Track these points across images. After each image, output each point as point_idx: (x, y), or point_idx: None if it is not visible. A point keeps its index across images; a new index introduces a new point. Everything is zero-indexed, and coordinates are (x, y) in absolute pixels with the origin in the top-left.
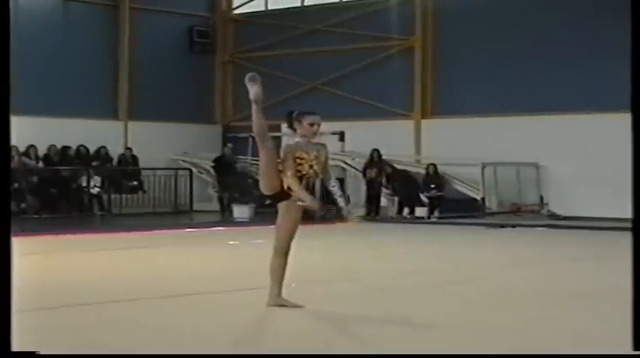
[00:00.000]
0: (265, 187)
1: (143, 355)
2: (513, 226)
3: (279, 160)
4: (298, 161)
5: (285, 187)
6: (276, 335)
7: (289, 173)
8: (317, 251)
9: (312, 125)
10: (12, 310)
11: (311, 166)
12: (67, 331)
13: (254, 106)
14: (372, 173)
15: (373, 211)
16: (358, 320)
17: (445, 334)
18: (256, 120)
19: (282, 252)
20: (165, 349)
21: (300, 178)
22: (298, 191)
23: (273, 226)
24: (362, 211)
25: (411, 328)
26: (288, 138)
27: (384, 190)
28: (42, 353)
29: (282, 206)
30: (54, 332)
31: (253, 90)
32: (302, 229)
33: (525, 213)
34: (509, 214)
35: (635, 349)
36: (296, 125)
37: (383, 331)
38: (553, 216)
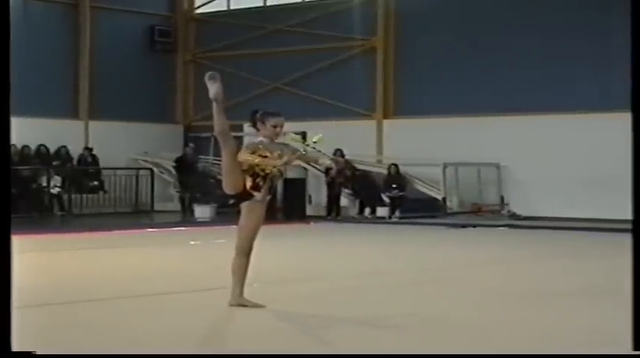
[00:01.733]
0: (228, 187)
1: (103, 355)
2: (474, 226)
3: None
4: (261, 159)
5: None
6: (238, 336)
7: (246, 152)
8: (279, 251)
9: (275, 127)
10: (12, 311)
11: (274, 165)
12: (24, 331)
13: (215, 105)
14: (332, 173)
15: (334, 211)
16: (320, 321)
17: (409, 334)
18: (217, 119)
19: (245, 252)
20: (125, 349)
21: (264, 177)
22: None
23: (234, 226)
24: (323, 211)
25: (373, 328)
26: (251, 137)
27: (344, 190)
28: (39, 353)
29: (245, 206)
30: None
31: (213, 88)
32: (264, 229)
33: (486, 213)
34: (470, 214)
35: (635, 349)
36: (259, 125)
37: (345, 331)
38: (513, 216)
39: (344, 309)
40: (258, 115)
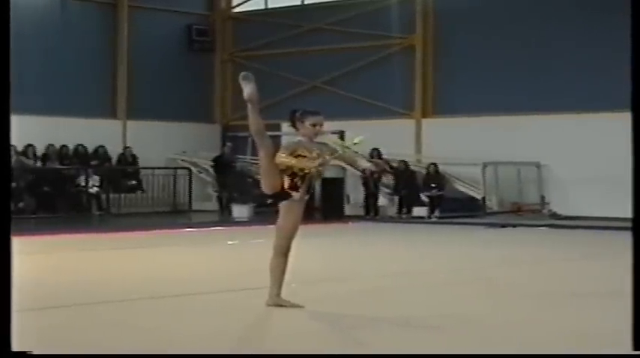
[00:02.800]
0: (266, 187)
1: (140, 355)
2: (514, 226)
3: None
4: (297, 160)
5: (284, 184)
6: (276, 336)
7: (282, 155)
8: (317, 251)
9: (314, 125)
10: (12, 310)
11: (311, 166)
12: (62, 332)
13: (249, 105)
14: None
15: (372, 211)
16: (358, 321)
17: (443, 334)
18: (252, 119)
19: (283, 252)
20: (162, 350)
21: (303, 177)
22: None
23: (272, 226)
24: (361, 211)
25: (409, 329)
26: (290, 137)
27: (383, 189)
28: (36, 353)
29: (283, 205)
30: (49, 332)
31: (247, 89)
32: (302, 229)
33: (526, 213)
34: (510, 214)
35: (635, 349)
36: (299, 124)
37: (381, 332)
38: (554, 215)
39: (381, 310)
40: (297, 114)
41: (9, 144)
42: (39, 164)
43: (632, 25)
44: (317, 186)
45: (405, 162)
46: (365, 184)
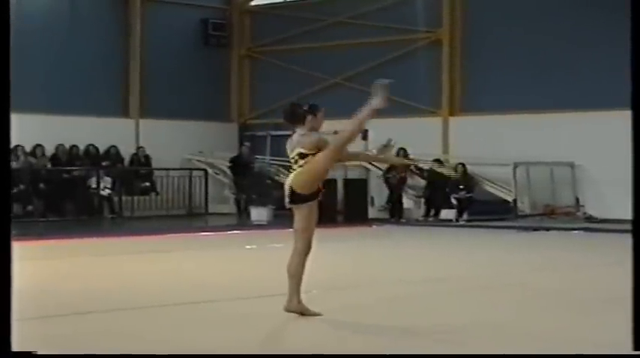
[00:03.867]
0: (311, 186)
1: (143, 355)
2: (547, 229)
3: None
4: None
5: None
6: (296, 344)
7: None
8: (340, 255)
9: (322, 117)
10: (12, 310)
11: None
12: (72, 340)
13: (366, 113)
14: (399, 173)
15: (397, 213)
16: (380, 329)
17: (472, 340)
18: (358, 127)
19: (307, 253)
20: None
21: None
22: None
23: (292, 229)
24: (385, 213)
25: (439, 335)
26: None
27: (408, 191)
28: (40, 353)
29: (308, 206)
30: (57, 340)
31: (379, 100)
32: (325, 232)
33: (560, 216)
34: (543, 217)
35: (635, 349)
36: (311, 119)
37: (408, 339)
38: (589, 218)
39: (406, 318)
40: (308, 108)
41: (9, 144)
42: (48, 165)
43: (632, 25)
44: (339, 187)
45: (439, 161)
46: (389, 185)
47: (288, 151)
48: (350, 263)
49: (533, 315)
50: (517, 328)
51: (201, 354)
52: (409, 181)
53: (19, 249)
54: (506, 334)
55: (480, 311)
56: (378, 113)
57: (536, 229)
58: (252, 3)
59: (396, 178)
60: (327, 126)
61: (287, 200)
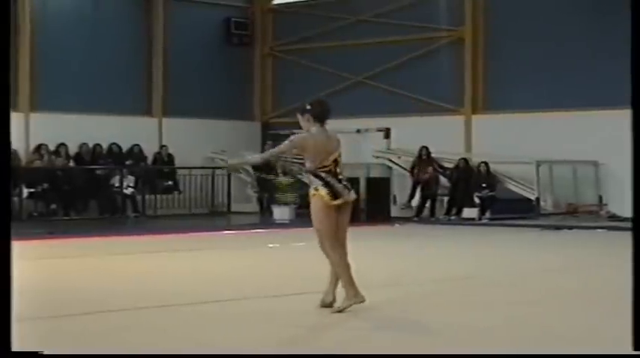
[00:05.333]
0: None
1: (146, 355)
2: (570, 228)
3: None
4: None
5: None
6: (325, 342)
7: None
8: (363, 254)
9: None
10: (11, 310)
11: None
12: (96, 338)
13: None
14: (429, 172)
15: (423, 213)
16: (398, 327)
17: (491, 338)
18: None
19: (327, 255)
20: None
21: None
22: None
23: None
24: (409, 212)
25: (461, 333)
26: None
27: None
28: (45, 353)
29: (313, 204)
30: (80, 337)
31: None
32: (348, 232)
33: (583, 214)
34: (566, 215)
35: (635, 349)
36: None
37: (430, 337)
38: (613, 217)
39: (429, 315)
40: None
41: (9, 144)
42: (71, 164)
43: (632, 25)
44: (362, 186)
45: (465, 160)
46: (422, 187)
47: (325, 149)
48: (372, 261)
49: (545, 315)
50: (527, 327)
51: (215, 354)
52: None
53: (42, 248)
54: (515, 333)
55: (492, 310)
56: (402, 111)
57: (559, 228)
58: (275, 2)
59: (425, 177)
60: (350, 124)
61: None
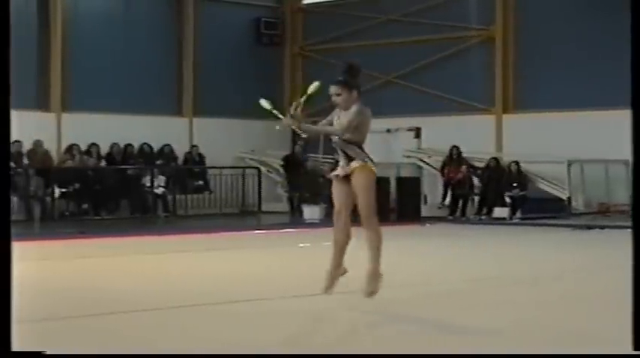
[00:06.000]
0: None
1: (148, 355)
2: (601, 228)
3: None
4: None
5: None
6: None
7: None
8: (392, 253)
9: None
10: (12, 310)
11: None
12: (128, 336)
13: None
14: (463, 171)
15: (458, 213)
16: (421, 327)
17: (512, 339)
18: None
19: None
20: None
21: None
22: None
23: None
24: (443, 212)
25: (486, 335)
26: None
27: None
28: (48, 353)
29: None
30: (110, 336)
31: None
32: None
33: (614, 214)
34: (597, 215)
35: (635, 349)
36: None
37: (452, 338)
38: None
39: (450, 314)
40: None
41: (9, 144)
42: (103, 164)
43: (633, 25)
44: (392, 186)
45: (496, 160)
46: (454, 186)
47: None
48: (401, 261)
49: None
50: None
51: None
52: (475, 182)
53: (74, 247)
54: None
55: (530, 309)
56: (432, 111)
57: (590, 227)
58: (305, 1)
59: (459, 177)
60: (381, 123)
61: None
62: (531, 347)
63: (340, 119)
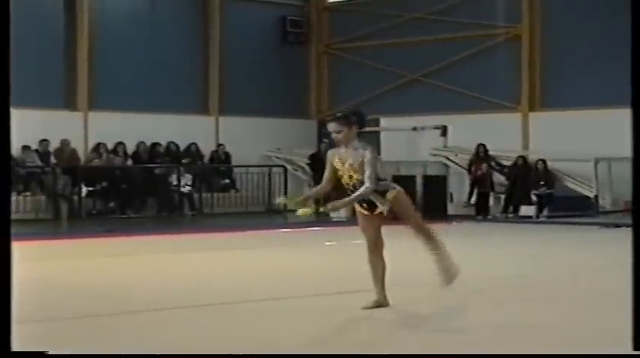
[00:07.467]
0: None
1: (150, 355)
2: (629, 226)
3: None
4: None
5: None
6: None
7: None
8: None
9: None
10: (11, 310)
11: (350, 177)
12: (153, 334)
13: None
14: (483, 169)
15: (483, 211)
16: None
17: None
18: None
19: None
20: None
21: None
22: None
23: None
24: (470, 210)
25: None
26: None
27: (494, 188)
28: (50, 353)
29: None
30: (137, 334)
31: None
32: (404, 230)
33: None
34: (625, 213)
35: (635, 349)
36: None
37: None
38: None
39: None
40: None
41: (9, 144)
42: (129, 162)
43: (632, 25)
44: (419, 184)
45: (523, 158)
46: (476, 184)
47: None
48: (426, 259)
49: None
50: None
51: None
52: (497, 179)
53: (101, 246)
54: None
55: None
56: (459, 109)
57: (617, 226)
58: (330, 0)
59: (478, 174)
60: (407, 121)
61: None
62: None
63: (348, 162)
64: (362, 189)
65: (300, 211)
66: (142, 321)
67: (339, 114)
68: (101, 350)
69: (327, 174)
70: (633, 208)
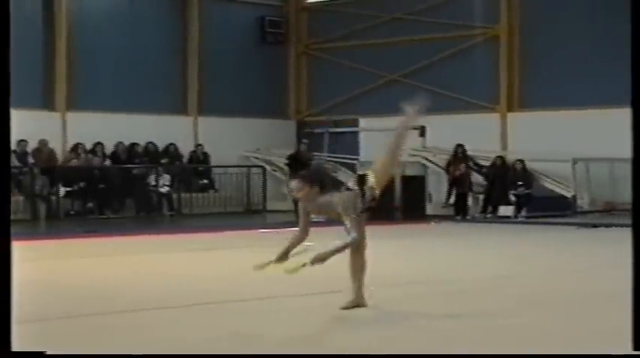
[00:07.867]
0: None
1: (148, 355)
2: (607, 226)
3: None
4: None
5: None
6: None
7: None
8: (397, 252)
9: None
10: (11, 310)
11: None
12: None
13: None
14: (461, 169)
15: (461, 211)
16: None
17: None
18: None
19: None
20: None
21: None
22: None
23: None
24: (449, 211)
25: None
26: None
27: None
28: (48, 353)
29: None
30: (111, 337)
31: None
32: (381, 229)
33: (620, 212)
34: (603, 213)
35: (635, 349)
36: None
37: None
38: None
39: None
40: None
41: (9, 144)
42: (107, 163)
43: (632, 25)
44: (397, 184)
45: (501, 158)
46: (455, 184)
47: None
48: (407, 260)
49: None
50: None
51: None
52: (476, 179)
53: (79, 246)
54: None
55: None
56: (437, 109)
57: (595, 226)
58: (309, 0)
59: (456, 174)
60: (385, 122)
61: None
62: (532, 347)
63: (321, 213)
64: (348, 240)
65: (290, 269)
66: (119, 321)
67: (303, 173)
68: (76, 352)
69: (301, 223)
70: (633, 208)
